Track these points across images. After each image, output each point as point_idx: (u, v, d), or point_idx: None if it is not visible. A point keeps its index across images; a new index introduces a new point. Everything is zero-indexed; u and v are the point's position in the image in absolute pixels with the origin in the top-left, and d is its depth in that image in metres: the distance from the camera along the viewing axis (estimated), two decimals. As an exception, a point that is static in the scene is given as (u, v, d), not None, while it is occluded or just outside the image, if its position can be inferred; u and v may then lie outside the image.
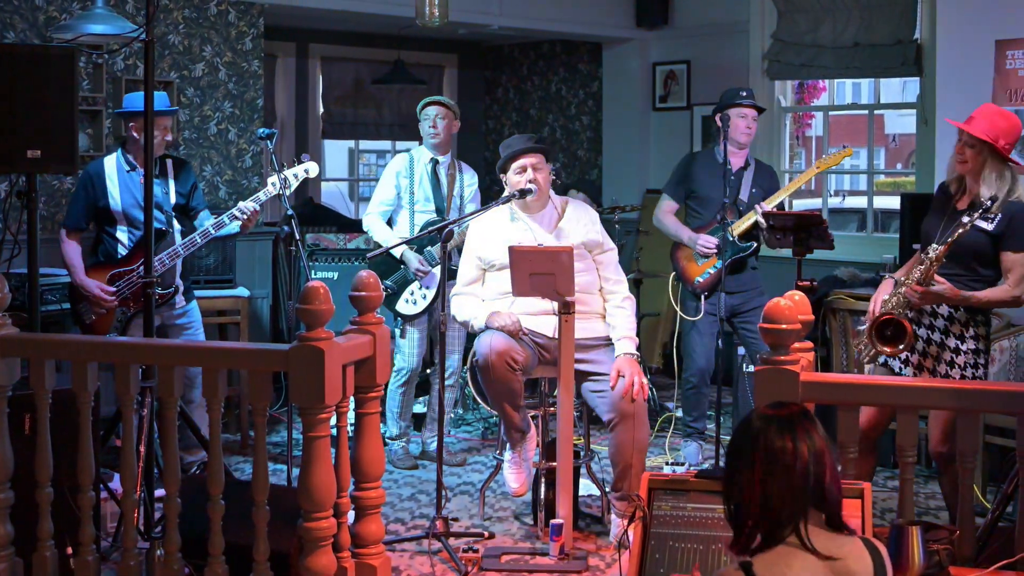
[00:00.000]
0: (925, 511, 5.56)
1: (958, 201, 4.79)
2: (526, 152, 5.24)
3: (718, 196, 6.09)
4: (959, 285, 4.63)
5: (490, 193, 10.45)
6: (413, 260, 6.22)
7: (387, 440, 6.41)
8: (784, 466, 2.57)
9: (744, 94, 6.27)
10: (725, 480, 2.67)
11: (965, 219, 4.52)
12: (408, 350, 6.34)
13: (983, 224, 4.62)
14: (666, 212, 6.43)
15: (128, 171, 5.67)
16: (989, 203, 4.56)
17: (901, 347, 4.61)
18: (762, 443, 2.60)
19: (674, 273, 6.42)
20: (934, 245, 4.60)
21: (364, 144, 11.88)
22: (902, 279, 4.75)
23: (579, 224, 5.31)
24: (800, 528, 2.56)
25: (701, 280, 6.23)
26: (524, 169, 5.22)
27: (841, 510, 2.64)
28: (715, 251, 6.12)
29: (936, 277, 4.58)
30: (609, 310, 5.26)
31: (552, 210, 5.35)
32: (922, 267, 4.61)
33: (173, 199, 5.79)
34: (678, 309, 6.41)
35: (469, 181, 6.48)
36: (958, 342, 4.73)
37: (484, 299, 5.31)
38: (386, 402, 6.40)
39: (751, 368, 6.74)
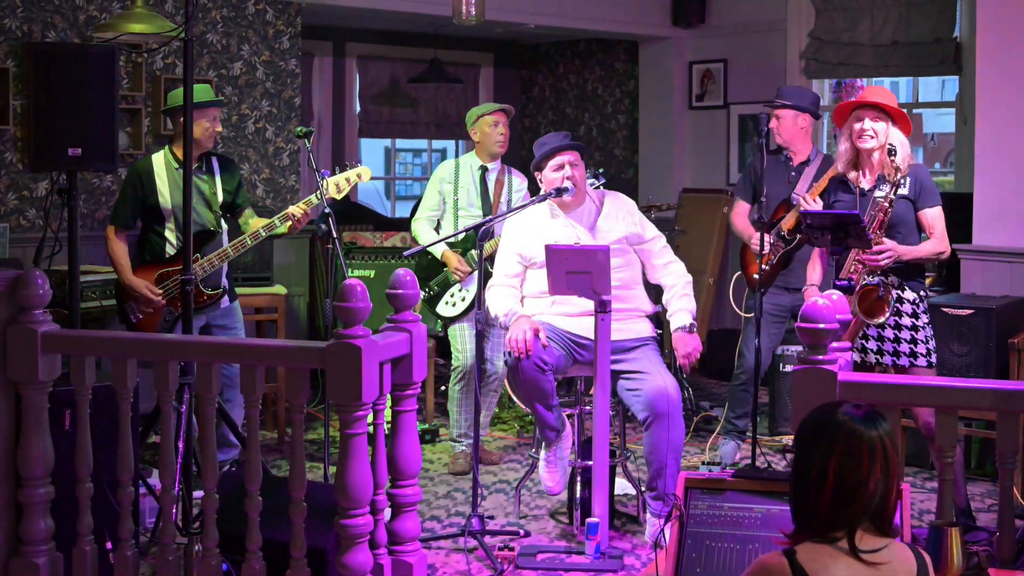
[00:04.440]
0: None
1: (860, 182, 5.10)
2: (563, 149, 5.25)
3: (776, 192, 6.19)
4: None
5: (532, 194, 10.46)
6: (452, 258, 6.23)
7: (450, 441, 6.44)
8: (859, 468, 2.52)
9: (775, 96, 6.34)
10: (796, 468, 2.62)
11: (879, 194, 4.94)
12: (461, 347, 6.33)
13: (902, 191, 4.99)
14: (737, 214, 6.51)
15: (176, 168, 5.66)
16: (897, 173, 4.92)
17: (883, 318, 4.88)
18: (840, 442, 2.54)
19: (738, 272, 6.55)
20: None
21: (400, 143, 11.92)
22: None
23: (618, 219, 5.32)
24: (854, 532, 2.52)
25: (756, 277, 6.29)
26: (562, 167, 5.23)
27: (893, 517, 2.59)
28: (769, 249, 6.19)
29: (880, 241, 4.92)
30: (669, 298, 5.36)
31: (591, 205, 5.36)
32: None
33: (220, 197, 5.81)
34: (736, 308, 6.48)
35: (518, 186, 6.47)
36: (912, 320, 5.02)
37: (525, 295, 5.32)
38: (448, 403, 6.45)
39: (788, 368, 6.73)
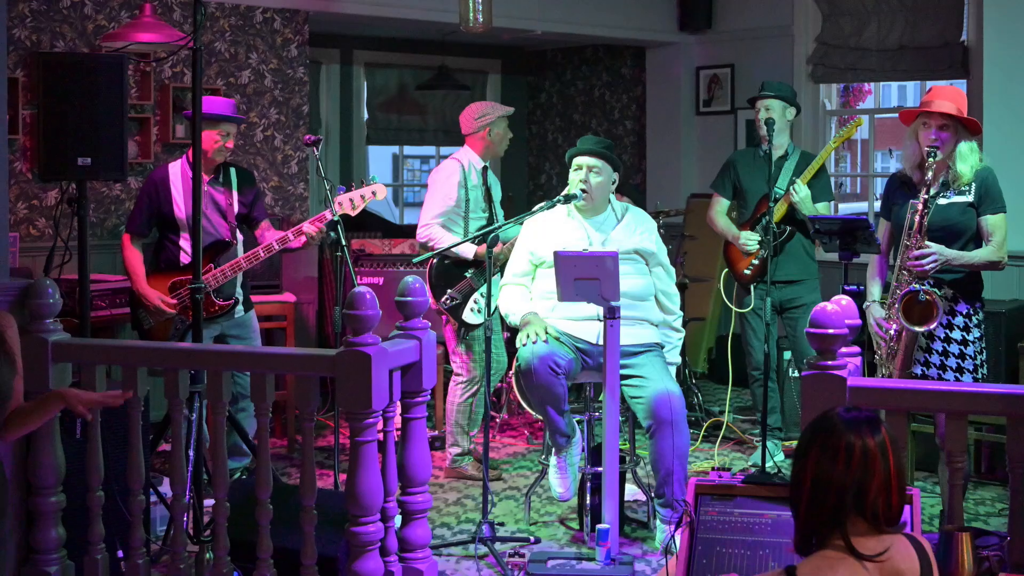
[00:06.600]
0: (974, 517, 5.51)
1: (925, 187, 4.79)
2: (588, 154, 5.26)
3: (756, 188, 6.25)
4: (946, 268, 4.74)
5: (533, 198, 10.48)
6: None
7: (455, 457, 6.30)
8: (833, 466, 2.56)
9: (760, 89, 6.46)
10: (791, 470, 2.69)
11: (922, 200, 4.67)
12: (482, 358, 6.17)
13: (961, 198, 4.76)
14: (717, 212, 6.54)
15: (192, 177, 5.67)
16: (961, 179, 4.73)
17: (934, 324, 4.64)
18: (819, 441, 2.60)
19: (726, 269, 6.52)
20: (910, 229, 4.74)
21: (408, 150, 11.93)
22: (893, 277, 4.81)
23: (634, 233, 5.30)
24: (845, 533, 2.54)
25: (747, 272, 6.31)
26: (580, 168, 5.25)
27: (891, 515, 2.60)
28: (757, 246, 6.19)
29: (923, 244, 4.68)
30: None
31: (611, 215, 5.35)
32: (907, 244, 4.72)
33: (236, 208, 5.82)
34: (732, 305, 6.49)
35: (497, 187, 6.45)
36: (963, 334, 4.79)
37: (533, 296, 5.32)
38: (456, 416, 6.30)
39: (795, 372, 6.71)
